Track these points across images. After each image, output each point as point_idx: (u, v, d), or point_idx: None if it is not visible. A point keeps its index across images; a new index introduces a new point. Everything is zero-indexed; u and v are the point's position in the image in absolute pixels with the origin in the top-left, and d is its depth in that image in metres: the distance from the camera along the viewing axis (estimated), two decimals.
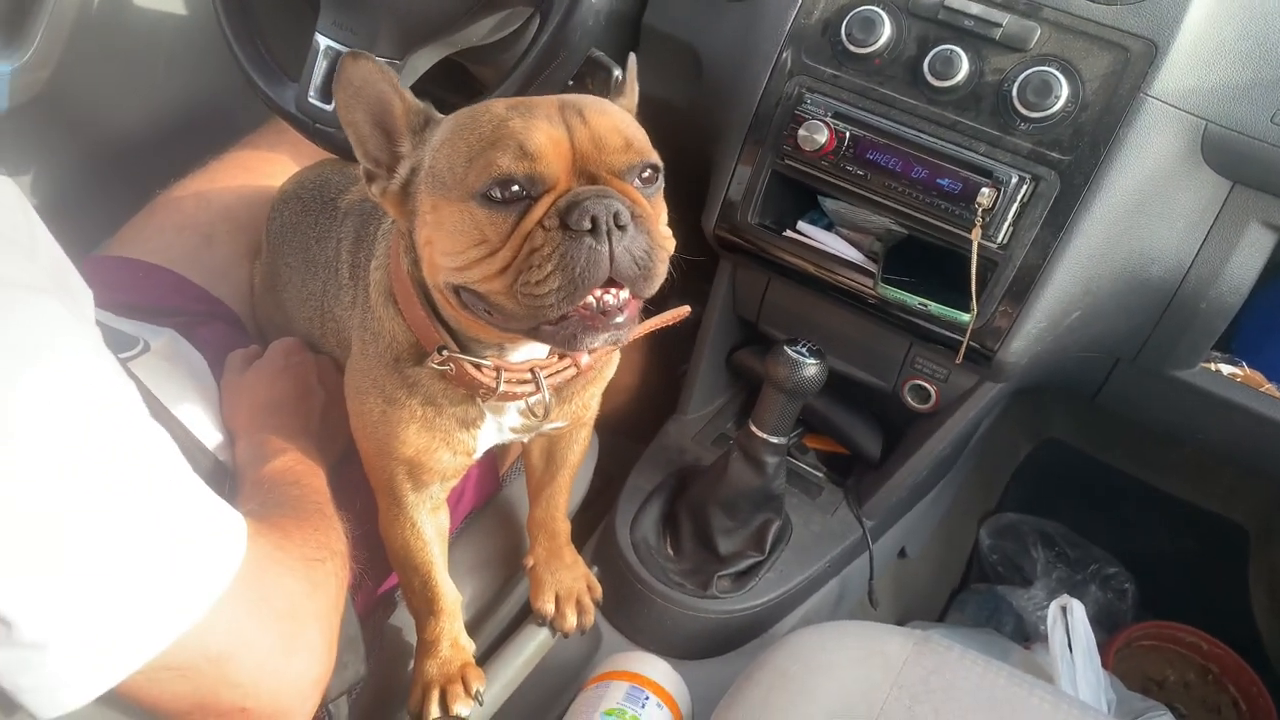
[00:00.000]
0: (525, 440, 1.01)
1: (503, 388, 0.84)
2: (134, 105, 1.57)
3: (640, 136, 0.75)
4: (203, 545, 0.65)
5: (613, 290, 0.71)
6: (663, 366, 1.67)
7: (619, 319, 0.71)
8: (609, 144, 0.72)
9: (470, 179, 0.71)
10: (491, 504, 1.22)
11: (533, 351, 0.86)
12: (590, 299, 0.70)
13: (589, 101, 0.75)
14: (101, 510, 0.58)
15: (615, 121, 0.74)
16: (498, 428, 0.93)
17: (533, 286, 0.69)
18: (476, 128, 0.72)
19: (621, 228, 0.69)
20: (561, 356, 0.87)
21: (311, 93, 1.11)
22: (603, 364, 0.96)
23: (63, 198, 1.47)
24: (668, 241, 0.75)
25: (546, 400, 0.87)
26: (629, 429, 1.53)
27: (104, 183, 1.49)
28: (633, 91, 0.85)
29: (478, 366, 0.83)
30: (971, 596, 1.73)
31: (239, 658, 0.66)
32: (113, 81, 1.52)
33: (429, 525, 0.98)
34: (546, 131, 0.70)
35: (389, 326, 0.87)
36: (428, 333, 0.83)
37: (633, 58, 0.87)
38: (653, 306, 0.80)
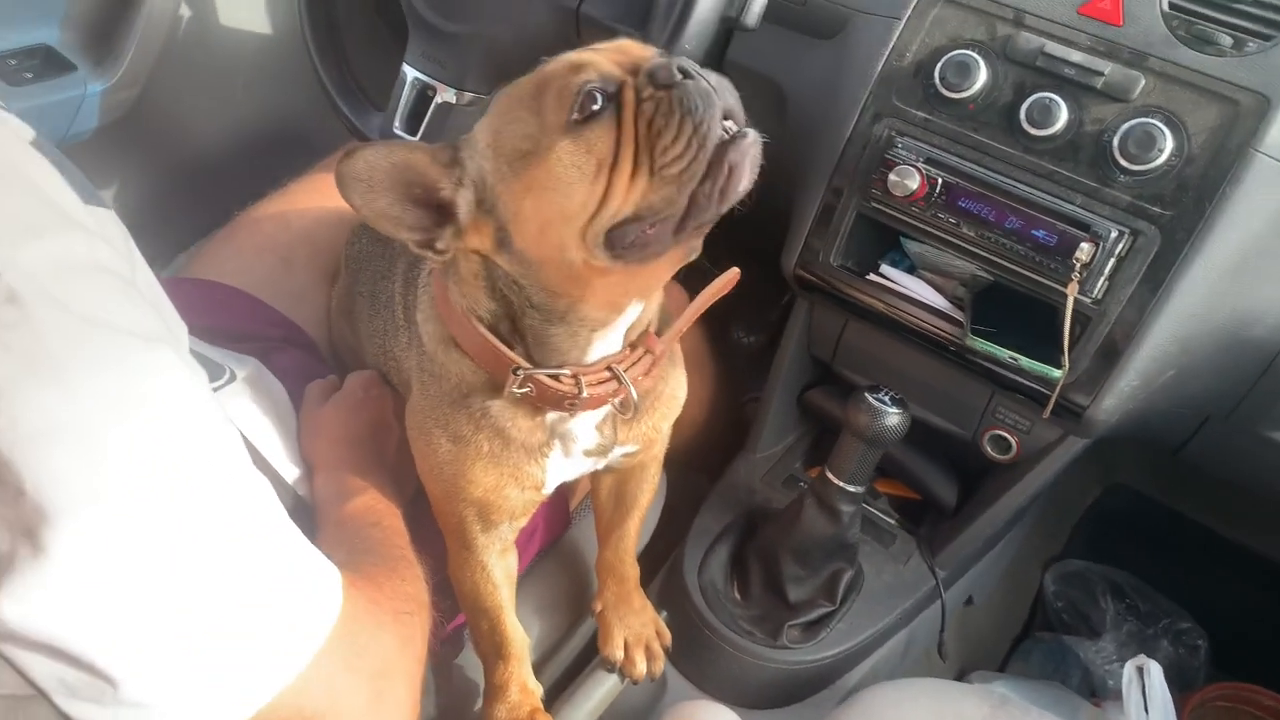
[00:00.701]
0: (599, 467, 0.99)
1: (586, 392, 0.83)
2: (213, 125, 1.60)
3: None
4: (301, 599, 0.64)
5: (728, 123, 0.71)
6: (728, 397, 1.66)
7: (749, 134, 0.70)
8: (628, 48, 0.75)
9: (549, 122, 0.70)
10: (559, 543, 1.21)
11: (606, 348, 0.84)
12: (720, 132, 0.69)
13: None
14: (207, 568, 0.58)
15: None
16: (567, 454, 0.91)
17: (671, 156, 0.69)
18: (518, 91, 0.73)
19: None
20: (633, 347, 0.86)
21: (397, 122, 1.11)
22: (672, 384, 0.95)
23: (142, 215, 1.49)
24: None
25: (634, 397, 0.86)
26: (693, 462, 1.52)
27: (182, 201, 1.50)
28: None
29: (556, 378, 0.82)
30: (1036, 646, 1.68)
31: (333, 716, 0.65)
32: (194, 101, 1.54)
33: (498, 569, 0.97)
34: (580, 55, 0.73)
35: (454, 369, 0.86)
36: (498, 359, 0.82)
37: None
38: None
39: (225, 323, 1.17)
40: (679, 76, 0.69)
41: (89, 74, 1.33)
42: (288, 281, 1.27)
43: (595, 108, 0.70)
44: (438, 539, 0.98)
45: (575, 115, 0.69)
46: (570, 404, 0.84)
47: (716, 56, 1.32)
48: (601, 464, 0.96)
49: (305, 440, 1.03)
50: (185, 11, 1.43)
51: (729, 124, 0.71)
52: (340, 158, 0.71)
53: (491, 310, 0.82)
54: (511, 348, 0.82)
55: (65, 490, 0.51)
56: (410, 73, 1.10)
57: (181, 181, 1.56)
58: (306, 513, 0.96)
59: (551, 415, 0.87)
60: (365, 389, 1.07)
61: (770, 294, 1.75)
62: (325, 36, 1.16)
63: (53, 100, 1.29)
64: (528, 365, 0.82)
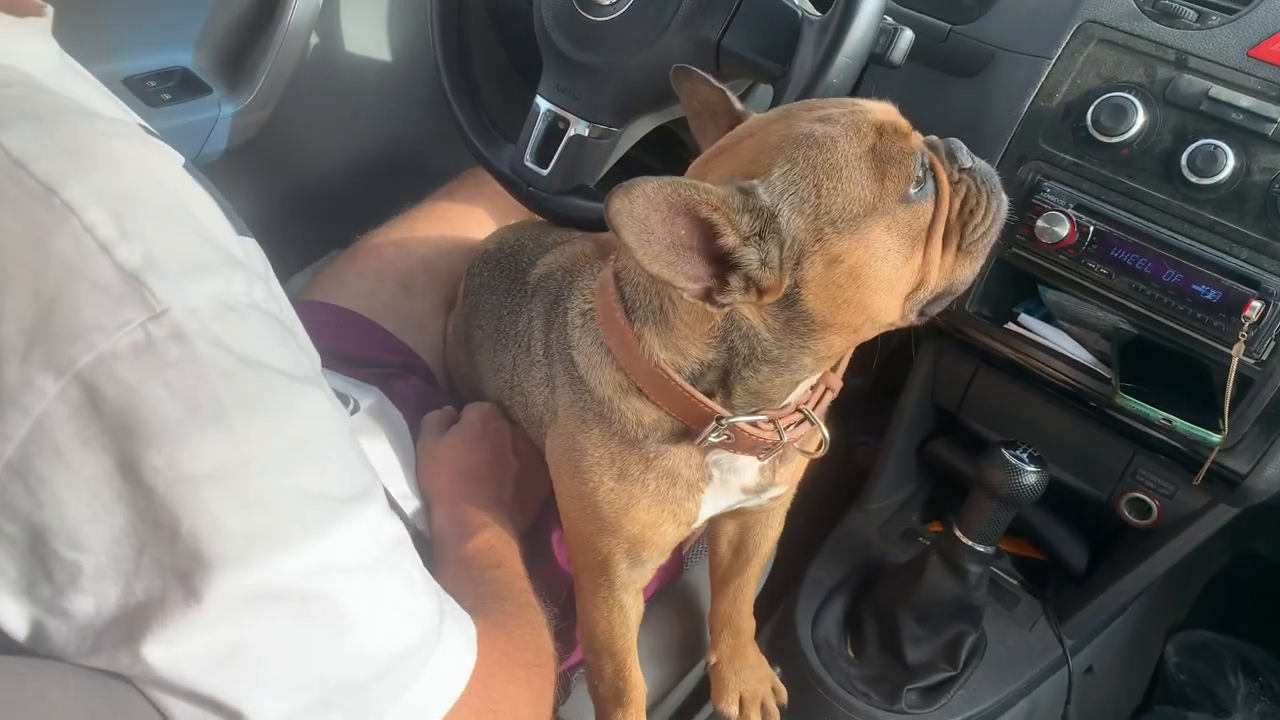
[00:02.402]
0: (748, 504, 0.94)
1: (785, 437, 0.81)
2: (336, 149, 1.61)
3: None
4: (436, 650, 0.62)
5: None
6: (839, 439, 1.60)
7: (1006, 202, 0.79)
8: (893, 110, 0.76)
9: (889, 188, 0.70)
10: (671, 589, 1.17)
11: (800, 391, 0.82)
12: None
13: (834, 99, 0.78)
14: (354, 620, 0.56)
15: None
16: (724, 489, 0.87)
17: (980, 228, 0.75)
18: (841, 150, 0.70)
19: None
20: (814, 388, 0.85)
21: (528, 156, 1.09)
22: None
23: (263, 236, 1.51)
24: None
25: (825, 435, 0.86)
26: (800, 504, 1.47)
27: (302, 224, 1.52)
28: None
29: (755, 424, 0.79)
30: None
31: None
32: (319, 125, 1.56)
33: (633, 609, 0.95)
34: (888, 115, 0.73)
35: (633, 415, 0.82)
36: (700, 411, 0.78)
37: None
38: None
39: (346, 347, 1.17)
40: (970, 161, 0.76)
41: (223, 96, 1.36)
42: (407, 308, 1.26)
43: (922, 184, 0.72)
44: (552, 582, 0.95)
45: (913, 188, 0.71)
46: (766, 452, 0.83)
47: (849, 93, 1.29)
48: (752, 502, 0.92)
49: (424, 473, 1.02)
50: (314, 37, 1.45)
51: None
52: (617, 193, 0.63)
53: (706, 362, 0.77)
54: (711, 397, 0.78)
55: (223, 537, 0.50)
56: (543, 105, 1.08)
57: (302, 204, 1.58)
58: (425, 547, 0.94)
59: (718, 452, 0.85)
60: (485, 421, 1.06)
61: (875, 337, 1.70)
62: (458, 70, 1.15)
63: (188, 121, 1.32)
64: (729, 414, 0.78)
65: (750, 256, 0.68)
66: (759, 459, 0.85)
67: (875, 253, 0.70)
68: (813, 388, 0.84)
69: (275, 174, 1.54)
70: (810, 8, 0.98)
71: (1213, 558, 1.82)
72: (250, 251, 0.63)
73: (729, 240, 0.68)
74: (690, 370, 0.78)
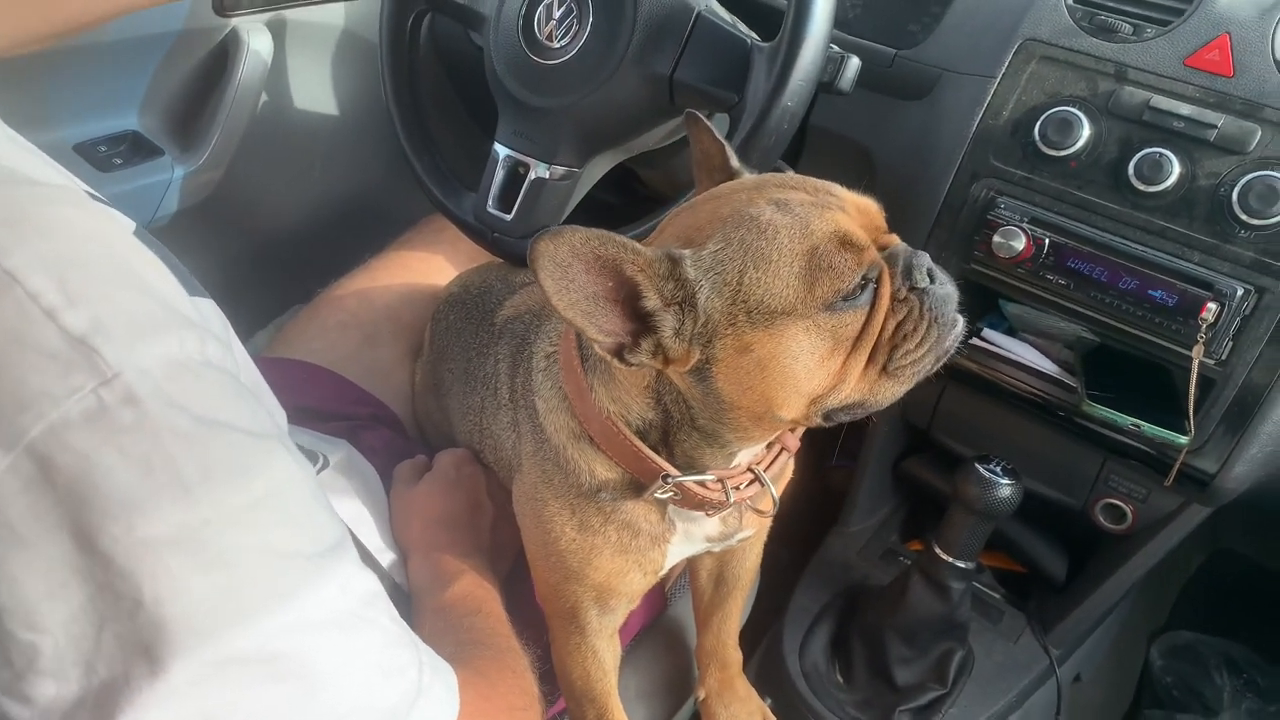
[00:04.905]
0: (716, 550, 0.95)
1: (732, 498, 0.80)
2: (291, 204, 1.60)
3: None
4: (417, 702, 0.60)
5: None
6: (811, 466, 1.60)
7: (960, 326, 0.74)
8: (868, 207, 0.74)
9: (817, 294, 0.67)
10: (656, 625, 1.16)
11: (755, 451, 0.82)
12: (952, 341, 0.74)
13: (807, 178, 0.75)
14: (324, 675, 0.54)
15: (851, 190, 0.75)
16: (687, 539, 0.87)
17: (911, 354, 0.71)
18: (778, 244, 0.67)
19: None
20: (770, 446, 0.84)
21: (491, 202, 1.09)
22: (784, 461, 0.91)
23: (222, 295, 1.49)
24: None
25: (775, 495, 0.85)
26: (780, 533, 1.46)
27: (262, 280, 1.50)
28: None
29: (702, 484, 0.79)
30: None
31: None
32: (273, 181, 1.55)
33: (609, 654, 0.93)
34: (847, 221, 0.70)
35: (585, 465, 0.82)
36: (647, 466, 0.79)
37: None
38: None
39: (312, 402, 1.15)
40: (928, 282, 0.71)
41: (175, 158, 1.35)
42: (372, 358, 1.25)
43: (856, 295, 0.69)
44: (535, 625, 0.94)
45: (841, 299, 0.68)
46: (713, 510, 0.82)
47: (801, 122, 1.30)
48: (719, 547, 0.92)
49: (398, 523, 1.00)
50: (264, 95, 1.45)
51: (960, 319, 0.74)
52: (542, 236, 0.63)
53: (647, 420, 0.78)
54: (658, 453, 0.79)
55: (187, 603, 0.48)
56: (502, 151, 1.08)
57: (262, 261, 1.56)
58: (403, 599, 0.92)
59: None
60: (458, 467, 1.04)
61: None
62: (414, 122, 1.15)
63: (141, 184, 1.30)
64: (676, 473, 0.78)
65: (667, 323, 0.69)
66: (706, 515, 0.85)
67: (786, 350, 0.68)
68: (769, 446, 0.84)
69: (232, 232, 1.53)
70: (757, 37, 0.99)
71: (1189, 559, 1.83)
72: (206, 312, 0.62)
73: (651, 303, 0.68)
74: (636, 425, 0.78)
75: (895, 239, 0.74)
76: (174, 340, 0.52)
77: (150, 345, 0.51)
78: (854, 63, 0.98)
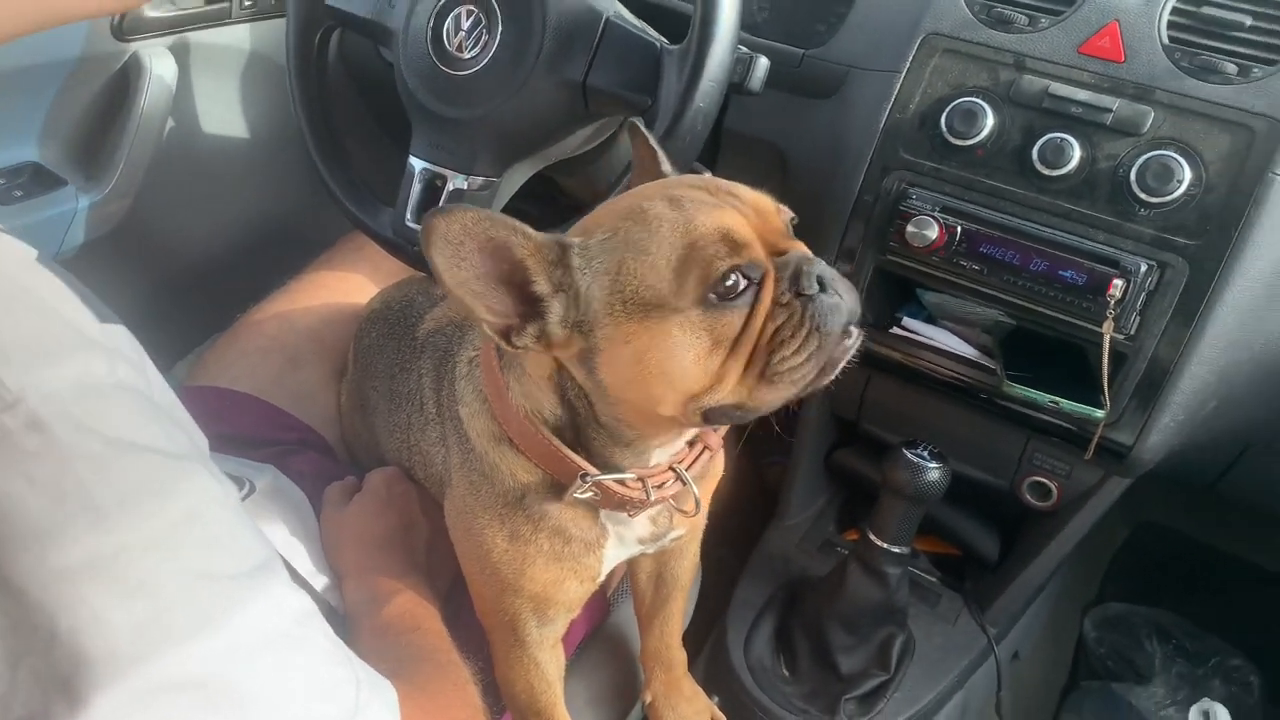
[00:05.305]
0: (650, 551, 0.95)
1: (653, 496, 0.80)
2: (205, 230, 1.57)
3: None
4: (358, 717, 0.59)
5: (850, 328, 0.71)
6: (749, 463, 1.62)
7: (855, 335, 0.72)
8: (768, 209, 0.72)
9: (689, 289, 0.67)
10: (600, 632, 1.15)
11: (671, 449, 0.82)
12: (837, 351, 0.70)
13: (716, 179, 0.74)
14: (257, 699, 0.53)
15: (753, 189, 0.73)
16: (620, 543, 0.87)
17: (788, 361, 0.68)
18: (659, 236, 0.67)
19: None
20: (691, 444, 0.84)
21: (408, 217, 1.08)
22: (716, 459, 0.92)
23: (138, 326, 1.45)
24: None
25: (696, 493, 0.84)
26: (720, 533, 1.47)
27: (179, 308, 1.46)
28: None
29: (622, 482, 0.79)
30: (1085, 697, 1.63)
31: None
32: (185, 208, 1.52)
33: (551, 665, 0.93)
34: (736, 219, 0.68)
35: (506, 468, 0.82)
36: (565, 466, 0.79)
37: None
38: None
39: (237, 429, 1.13)
40: (816, 289, 0.69)
41: (79, 188, 1.31)
42: (296, 381, 1.23)
43: (735, 295, 0.67)
44: (477, 641, 0.93)
45: (714, 296, 0.67)
46: (635, 509, 0.82)
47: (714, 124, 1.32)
48: (652, 549, 0.92)
49: (330, 546, 0.99)
50: (170, 120, 1.41)
51: (851, 331, 0.71)
52: (436, 214, 0.64)
53: (558, 416, 0.78)
54: (575, 451, 0.78)
55: (106, 632, 0.47)
56: (418, 164, 1.07)
57: (177, 290, 1.52)
58: (339, 622, 0.91)
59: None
60: (389, 486, 1.03)
61: None
62: (326, 139, 1.14)
63: (44, 216, 1.26)
64: (594, 471, 0.78)
65: (554, 309, 0.70)
66: (629, 515, 0.85)
67: (661, 345, 0.68)
68: (691, 444, 0.84)
69: (145, 262, 1.49)
70: (666, 41, 1.00)
71: (1115, 532, 1.89)
72: (117, 336, 0.60)
73: (540, 287, 0.69)
74: (551, 423, 0.78)
75: (796, 244, 0.72)
76: (80, 363, 0.51)
77: (55, 368, 0.49)
78: (763, 63, 1.00)
